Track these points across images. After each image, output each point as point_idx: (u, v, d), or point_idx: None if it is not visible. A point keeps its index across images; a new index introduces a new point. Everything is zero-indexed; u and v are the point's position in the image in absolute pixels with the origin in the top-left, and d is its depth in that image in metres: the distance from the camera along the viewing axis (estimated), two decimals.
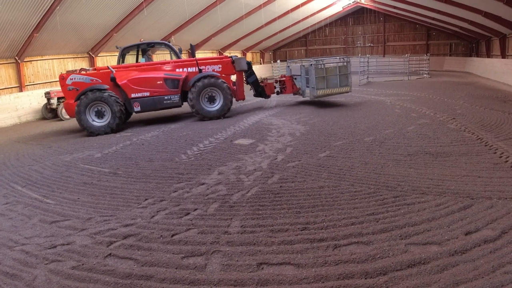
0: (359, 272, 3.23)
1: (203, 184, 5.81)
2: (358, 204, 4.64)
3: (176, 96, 11.96)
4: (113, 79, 11.49)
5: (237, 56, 13.21)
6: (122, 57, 12.73)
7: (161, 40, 22.66)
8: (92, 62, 19.74)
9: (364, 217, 4.27)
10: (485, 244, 3.54)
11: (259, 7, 24.42)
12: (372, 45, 36.65)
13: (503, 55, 21.70)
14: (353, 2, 33.30)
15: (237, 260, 3.53)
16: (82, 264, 3.63)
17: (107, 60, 21.05)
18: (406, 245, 3.62)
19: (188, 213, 4.70)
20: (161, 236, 4.11)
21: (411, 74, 24.06)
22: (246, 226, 4.24)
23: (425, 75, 24.63)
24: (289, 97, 16.46)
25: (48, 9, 14.20)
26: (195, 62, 12.33)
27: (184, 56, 14.28)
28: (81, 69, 12.06)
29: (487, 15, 18.28)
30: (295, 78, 14.58)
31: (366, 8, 34.89)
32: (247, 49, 34.12)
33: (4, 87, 15.92)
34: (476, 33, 25.15)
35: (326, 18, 35.41)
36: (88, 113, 11.12)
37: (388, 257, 3.43)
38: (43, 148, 9.58)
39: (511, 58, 20.66)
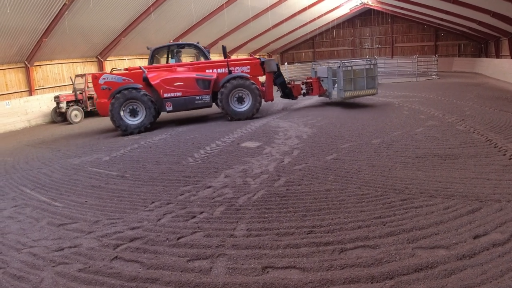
0: (365, 276, 3.20)
1: (209, 187, 5.81)
2: (365, 207, 4.61)
3: (207, 97, 12.19)
4: (145, 79, 11.78)
5: (266, 58, 13.35)
6: (152, 57, 13.05)
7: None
8: (101, 66, 19.93)
9: (371, 220, 4.24)
10: (494, 248, 3.49)
11: (266, 9, 24.47)
12: (380, 46, 36.51)
13: None
14: (360, 4, 33.22)
15: (242, 264, 3.52)
16: (89, 267, 3.65)
17: (116, 64, 21.24)
18: (413, 249, 3.58)
19: (194, 216, 4.70)
20: (167, 239, 4.12)
21: (420, 75, 23.90)
22: (252, 229, 4.23)
23: (433, 76, 24.43)
24: (297, 100, 16.38)
25: (57, 14, 14.39)
26: (225, 63, 12.53)
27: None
28: (112, 69, 12.47)
29: (495, 15, 18.14)
30: (322, 80, 14.58)
31: (374, 10, 34.78)
32: (255, 52, 34.18)
33: (14, 91, 16.15)
34: (485, 33, 24.92)
35: (334, 20, 35.36)
36: (122, 111, 11.42)
37: (395, 261, 3.39)
38: (52, 151, 9.67)
39: None
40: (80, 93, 16.20)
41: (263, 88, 13.06)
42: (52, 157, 8.95)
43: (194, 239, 4.09)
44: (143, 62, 23.03)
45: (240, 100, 12.34)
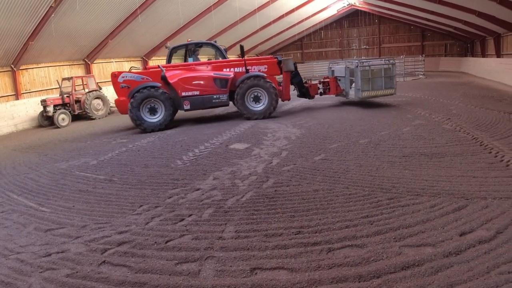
0: (352, 275, 3.22)
1: (198, 189, 5.80)
2: (352, 207, 4.64)
3: (224, 96, 12.25)
4: (163, 78, 11.86)
5: (283, 57, 13.34)
6: (170, 56, 13.17)
7: (157, 44, 22.83)
8: (88, 69, 19.76)
9: (359, 219, 4.27)
10: (480, 245, 3.54)
11: (254, 11, 24.52)
12: (367, 47, 36.80)
13: (498, 55, 21.83)
14: (347, 5, 33.47)
15: (231, 266, 3.52)
16: (76, 272, 3.62)
17: (103, 67, 21.09)
18: (400, 247, 3.62)
19: (183, 219, 4.69)
20: (155, 242, 4.10)
21: (407, 75, 24.15)
22: (240, 231, 4.23)
23: (420, 76, 24.71)
24: (286, 101, 16.39)
25: (43, 16, 14.24)
26: (243, 62, 12.53)
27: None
28: (131, 68, 12.68)
29: (481, 15, 18.39)
30: (339, 80, 14.33)
31: (361, 11, 35.06)
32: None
33: (0, 96, 15.91)
34: (471, 33, 25.27)
35: (321, 21, 35.57)
36: (142, 109, 11.67)
37: (382, 259, 3.43)
38: (39, 156, 9.56)
39: (506, 58, 20.75)
40: (67, 96, 16.06)
41: (280, 88, 13.01)
42: (39, 161, 8.84)
43: (183, 242, 4.08)
44: (131, 65, 22.94)
45: (257, 100, 12.36)
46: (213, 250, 3.85)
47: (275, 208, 4.80)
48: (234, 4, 22.10)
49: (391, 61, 13.50)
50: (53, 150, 10.18)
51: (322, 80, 14.80)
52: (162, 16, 19.51)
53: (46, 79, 18.08)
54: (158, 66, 12.52)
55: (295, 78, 13.62)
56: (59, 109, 15.72)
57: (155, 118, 11.83)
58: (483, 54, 25.31)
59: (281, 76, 13.14)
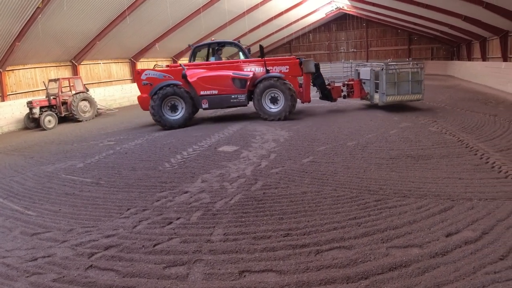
0: (340, 277, 3.24)
1: (186, 192, 5.78)
2: (340, 209, 4.67)
3: (242, 96, 12.23)
4: (184, 76, 12.05)
5: (305, 58, 13.13)
6: (193, 55, 13.27)
7: (145, 46, 22.71)
8: (75, 70, 19.54)
9: (346, 221, 4.30)
10: (466, 246, 3.59)
11: (243, 14, 24.56)
12: (355, 50, 37.15)
13: (484, 58, 22.22)
14: (335, 9, 33.77)
15: (219, 269, 3.51)
16: (63, 277, 3.57)
17: (90, 68, 20.88)
18: (387, 248, 3.65)
19: (171, 222, 4.66)
20: (143, 246, 4.07)
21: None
22: (229, 234, 4.22)
23: None
24: None
25: (30, 17, 14.05)
26: (263, 62, 12.40)
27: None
28: (155, 65, 12.97)
29: (467, 19, 18.71)
30: (364, 83, 13.76)
31: (349, 14, 35.41)
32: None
33: None
34: (457, 37, 25.69)
35: (310, 25, 35.84)
36: (163, 106, 11.95)
37: (370, 261, 3.45)
38: (25, 158, 9.41)
39: (491, 61, 21.13)
40: (53, 98, 15.83)
41: (301, 89, 12.72)
42: (25, 164, 8.71)
43: (171, 245, 4.05)
44: (119, 66, 22.80)
45: (274, 101, 12.18)
46: (201, 253, 3.83)
47: (264, 211, 4.81)
48: (223, 6, 22.11)
49: (420, 65, 12.81)
50: (39, 153, 10.03)
51: (346, 82, 14.25)
52: (150, 18, 19.41)
53: (33, 81, 17.82)
54: (180, 65, 12.79)
55: (317, 79, 13.25)
56: (45, 111, 15.48)
57: (176, 116, 12.11)
58: (469, 58, 25.74)
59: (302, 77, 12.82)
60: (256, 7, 24.66)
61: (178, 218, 4.78)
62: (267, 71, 12.33)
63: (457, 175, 5.70)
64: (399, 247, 3.66)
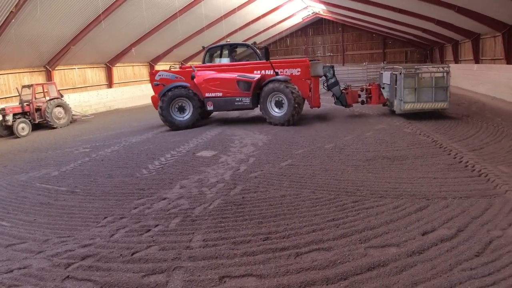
0: (320, 278, 3.27)
1: (164, 199, 5.71)
2: (319, 211, 4.71)
3: (247, 98, 11.96)
4: (193, 78, 12.12)
5: (315, 60, 12.79)
6: (207, 57, 13.36)
7: (121, 51, 22.42)
8: (49, 76, 19.10)
9: (325, 223, 4.34)
10: (442, 243, 3.69)
11: (220, 18, 24.54)
12: (331, 54, 37.68)
13: (456, 61, 22.90)
14: (312, 13, 34.20)
15: (199, 275, 3.48)
16: None
17: (65, 73, 20.46)
18: (365, 248, 3.71)
19: (149, 230, 4.59)
20: (121, 255, 4.00)
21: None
22: (208, 239, 4.19)
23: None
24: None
25: (3, 22, 13.70)
26: (274, 65, 12.00)
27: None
28: (171, 66, 13.42)
29: (439, 23, 19.23)
30: (383, 87, 12.55)
31: (325, 19, 35.92)
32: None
33: None
34: (430, 40, 26.40)
35: (287, 29, 36.15)
36: (171, 107, 12.08)
37: (348, 261, 3.50)
38: None
39: (464, 63, 21.79)
40: (27, 104, 15.40)
41: (310, 94, 12.11)
42: None
43: (149, 253, 3.99)
44: (94, 71, 22.41)
45: (279, 105, 11.62)
46: (180, 260, 3.79)
47: (243, 215, 4.80)
48: (200, 11, 22.04)
49: (446, 69, 11.16)
50: (13, 161, 9.73)
51: (365, 87, 13.14)
52: (126, 21, 19.18)
53: (6, 87, 17.32)
54: (191, 66, 12.89)
55: (331, 83, 12.45)
56: (18, 118, 15.04)
57: (183, 117, 12.22)
58: (442, 60, 26.47)
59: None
60: (233, 11, 24.69)
61: (156, 225, 4.71)
62: (276, 74, 11.90)
63: (431, 174, 5.84)
64: (376, 247, 3.72)
